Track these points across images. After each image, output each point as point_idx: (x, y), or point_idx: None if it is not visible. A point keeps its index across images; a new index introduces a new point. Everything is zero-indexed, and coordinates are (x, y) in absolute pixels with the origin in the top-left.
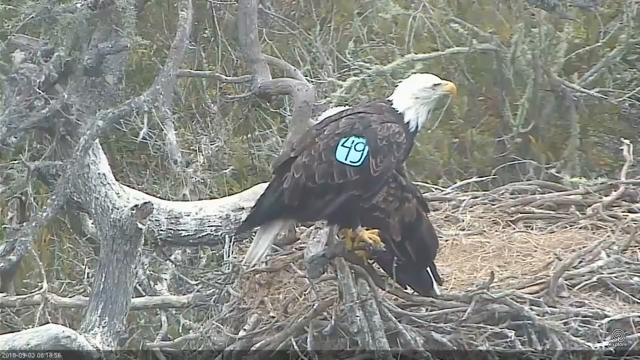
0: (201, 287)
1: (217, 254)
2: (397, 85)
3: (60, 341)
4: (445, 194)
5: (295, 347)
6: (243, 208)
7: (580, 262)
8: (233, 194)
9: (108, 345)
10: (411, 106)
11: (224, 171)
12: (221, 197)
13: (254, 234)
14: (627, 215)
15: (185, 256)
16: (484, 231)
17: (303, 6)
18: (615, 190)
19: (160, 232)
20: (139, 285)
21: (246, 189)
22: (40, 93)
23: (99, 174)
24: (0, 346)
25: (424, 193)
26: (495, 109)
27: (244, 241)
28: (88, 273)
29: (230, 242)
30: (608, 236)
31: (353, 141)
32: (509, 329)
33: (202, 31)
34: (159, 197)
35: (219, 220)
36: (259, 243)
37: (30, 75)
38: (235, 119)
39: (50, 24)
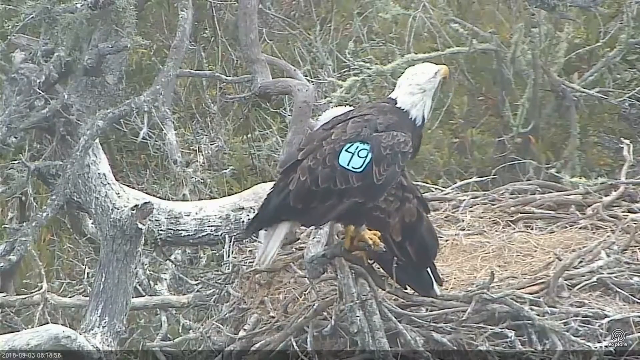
0: (201, 287)
1: (217, 254)
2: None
3: (60, 341)
4: (445, 194)
5: (295, 347)
6: (243, 208)
7: (580, 262)
8: (233, 194)
9: (108, 345)
10: (417, 101)
11: (224, 171)
12: (221, 197)
13: (255, 235)
14: (627, 215)
15: (185, 256)
16: (484, 231)
17: (303, 6)
18: (615, 190)
19: (160, 232)
20: (139, 285)
21: (246, 189)
22: (40, 93)
23: (99, 174)
24: (0, 346)
25: (424, 193)
26: (495, 109)
27: (243, 241)
28: (88, 273)
29: (230, 242)
30: (608, 236)
31: (357, 147)
32: (509, 329)
33: (202, 31)
34: (159, 197)
35: (219, 220)
36: (269, 245)
37: (30, 75)
38: (235, 119)
39: (50, 24)
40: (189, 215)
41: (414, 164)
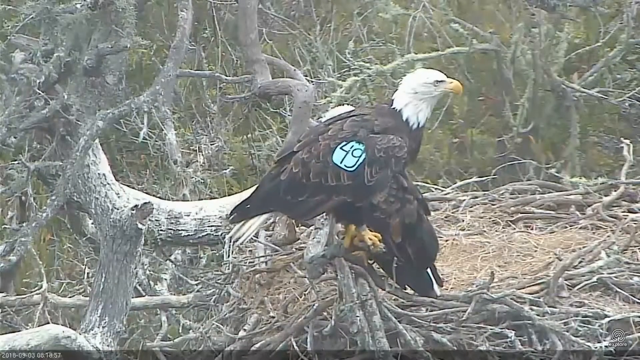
0: (201, 287)
1: (217, 254)
2: (397, 85)
3: (60, 341)
4: (445, 194)
5: (295, 347)
6: None
7: (580, 262)
8: (233, 194)
9: (108, 345)
10: (409, 102)
11: (224, 171)
12: (221, 197)
13: (255, 235)
14: (627, 215)
15: (185, 256)
16: (484, 231)
17: (303, 6)
18: (615, 190)
19: (160, 232)
20: (139, 285)
21: (246, 189)
22: (40, 93)
23: (99, 174)
24: (0, 346)
25: (424, 193)
26: (495, 109)
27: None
28: (88, 273)
29: (230, 242)
30: (608, 236)
31: (352, 146)
32: (509, 329)
33: (202, 31)
34: (159, 197)
35: (219, 220)
36: (247, 224)
37: (30, 76)
38: (235, 119)
39: (50, 24)
40: (189, 215)
41: (414, 164)
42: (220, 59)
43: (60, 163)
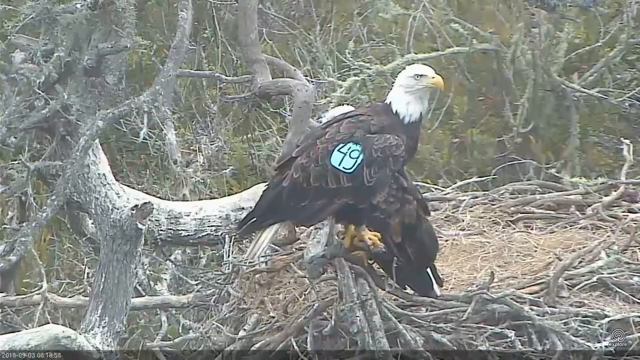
0: (201, 287)
1: (217, 254)
2: None
3: (60, 341)
4: (445, 194)
5: (295, 347)
6: (243, 208)
7: (580, 262)
8: (233, 194)
9: (108, 345)
10: (397, 95)
11: (224, 171)
12: (221, 197)
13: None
14: (627, 215)
15: (185, 256)
16: (484, 231)
17: (303, 6)
18: (615, 190)
19: (160, 232)
20: (139, 285)
21: (246, 189)
22: (40, 93)
23: (99, 174)
24: (0, 346)
25: (424, 193)
26: (495, 109)
27: (243, 241)
28: (88, 273)
29: (230, 242)
30: (608, 236)
31: (349, 148)
32: (509, 329)
33: (202, 31)
34: (159, 197)
35: (219, 220)
36: (259, 241)
37: (30, 75)
38: (235, 119)
39: (50, 24)
40: (189, 215)
41: (413, 163)
42: (220, 59)
43: (60, 163)
